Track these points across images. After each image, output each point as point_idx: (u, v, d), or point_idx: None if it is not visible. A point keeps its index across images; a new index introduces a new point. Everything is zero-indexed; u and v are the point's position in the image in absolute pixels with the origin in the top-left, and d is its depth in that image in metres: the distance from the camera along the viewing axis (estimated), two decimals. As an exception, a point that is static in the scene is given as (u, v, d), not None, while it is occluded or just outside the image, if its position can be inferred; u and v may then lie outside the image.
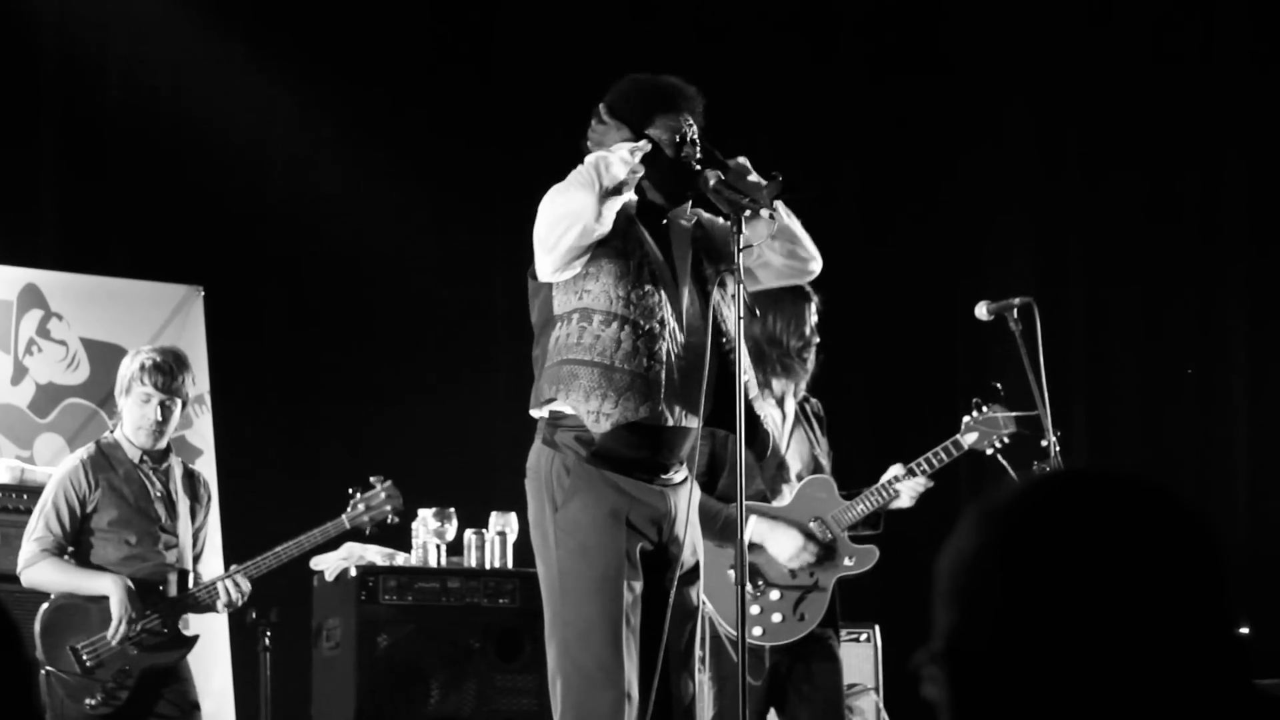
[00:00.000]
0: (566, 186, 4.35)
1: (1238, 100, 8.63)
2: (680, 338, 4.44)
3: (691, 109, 4.52)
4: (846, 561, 5.60)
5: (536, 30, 8.76)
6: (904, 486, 5.56)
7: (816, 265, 4.70)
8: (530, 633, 6.58)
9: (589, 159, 4.37)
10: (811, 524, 5.57)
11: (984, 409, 5.60)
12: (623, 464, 4.38)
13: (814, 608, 5.54)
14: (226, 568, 6.15)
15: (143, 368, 5.86)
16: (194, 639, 5.95)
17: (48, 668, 5.70)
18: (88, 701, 5.70)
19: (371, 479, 6.18)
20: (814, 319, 5.65)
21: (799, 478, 5.61)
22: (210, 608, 5.93)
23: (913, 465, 5.57)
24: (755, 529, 5.45)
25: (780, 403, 5.65)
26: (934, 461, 5.57)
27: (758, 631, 5.49)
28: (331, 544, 6.69)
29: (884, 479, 5.59)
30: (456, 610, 6.59)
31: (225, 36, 8.35)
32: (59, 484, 5.86)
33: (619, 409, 4.33)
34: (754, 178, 4.47)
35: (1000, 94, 9.07)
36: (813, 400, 5.77)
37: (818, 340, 5.64)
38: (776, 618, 5.53)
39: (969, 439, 5.59)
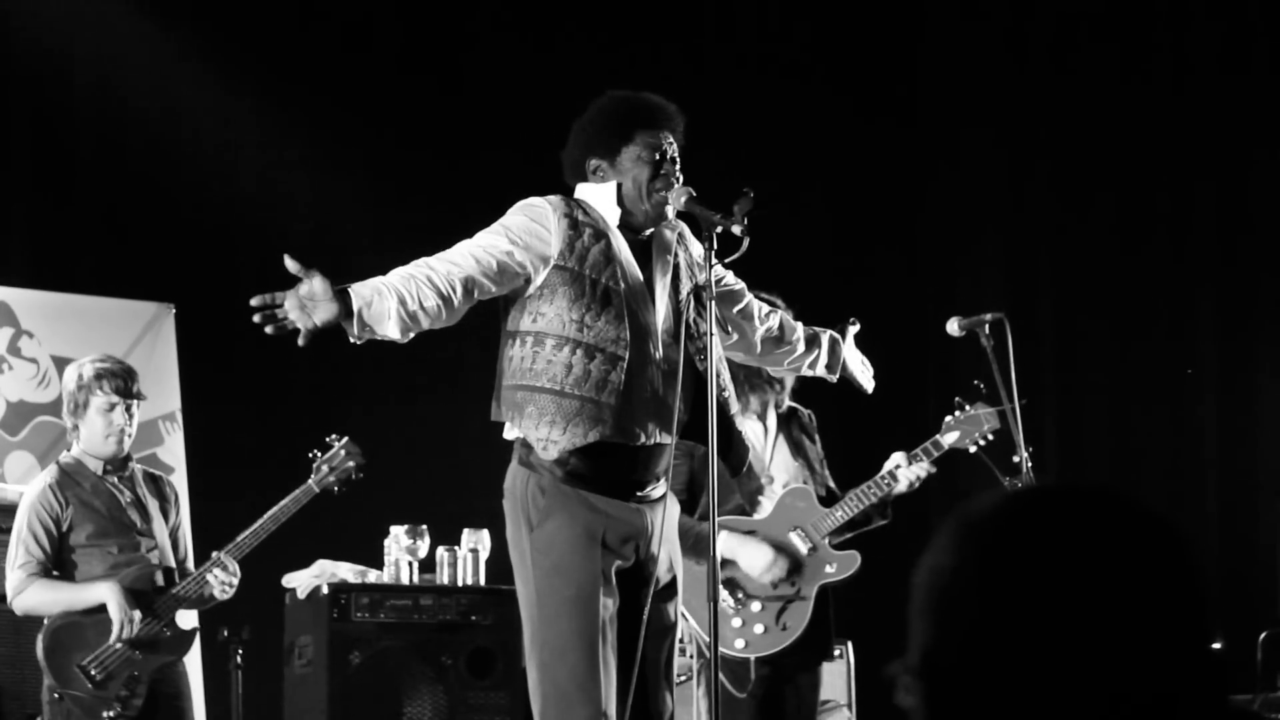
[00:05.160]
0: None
1: (1207, 119, 8.68)
2: (657, 353, 4.42)
3: (672, 127, 4.52)
4: (828, 568, 5.59)
5: (506, 42, 8.77)
6: (903, 473, 5.53)
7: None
8: (502, 650, 6.58)
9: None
10: (792, 534, 5.57)
11: (966, 408, 5.58)
12: (598, 483, 4.36)
13: (797, 616, 5.54)
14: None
15: (97, 377, 5.84)
16: (194, 632, 5.97)
17: (60, 690, 5.68)
18: (105, 714, 5.67)
19: (328, 439, 6.16)
20: None
21: (784, 488, 5.61)
22: (206, 599, 5.91)
23: (915, 452, 5.57)
24: (725, 544, 5.41)
25: (761, 417, 5.65)
26: (931, 451, 5.57)
27: (740, 644, 5.49)
28: (302, 559, 6.68)
29: (886, 468, 5.58)
30: (429, 627, 6.58)
31: (194, 54, 8.33)
32: (30, 509, 5.82)
33: (566, 435, 4.30)
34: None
35: (970, 118, 9.10)
36: (802, 410, 5.77)
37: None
38: (759, 629, 5.52)
39: (949, 438, 5.56)
